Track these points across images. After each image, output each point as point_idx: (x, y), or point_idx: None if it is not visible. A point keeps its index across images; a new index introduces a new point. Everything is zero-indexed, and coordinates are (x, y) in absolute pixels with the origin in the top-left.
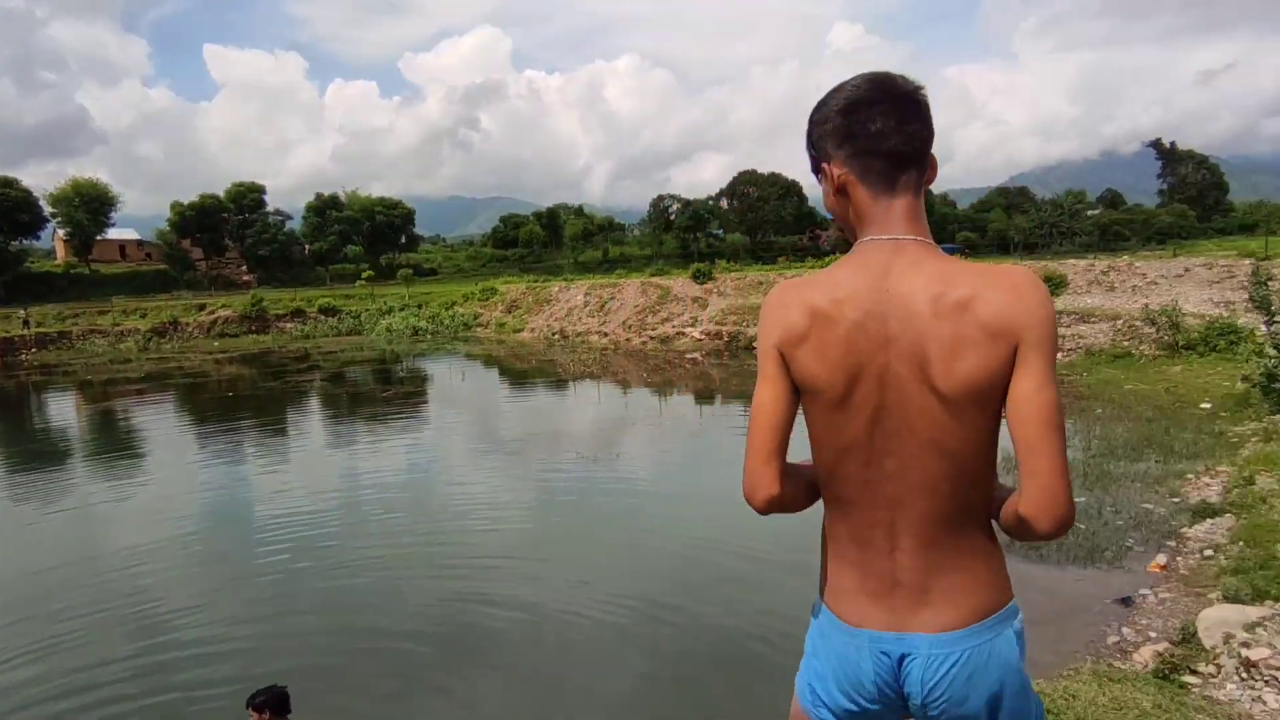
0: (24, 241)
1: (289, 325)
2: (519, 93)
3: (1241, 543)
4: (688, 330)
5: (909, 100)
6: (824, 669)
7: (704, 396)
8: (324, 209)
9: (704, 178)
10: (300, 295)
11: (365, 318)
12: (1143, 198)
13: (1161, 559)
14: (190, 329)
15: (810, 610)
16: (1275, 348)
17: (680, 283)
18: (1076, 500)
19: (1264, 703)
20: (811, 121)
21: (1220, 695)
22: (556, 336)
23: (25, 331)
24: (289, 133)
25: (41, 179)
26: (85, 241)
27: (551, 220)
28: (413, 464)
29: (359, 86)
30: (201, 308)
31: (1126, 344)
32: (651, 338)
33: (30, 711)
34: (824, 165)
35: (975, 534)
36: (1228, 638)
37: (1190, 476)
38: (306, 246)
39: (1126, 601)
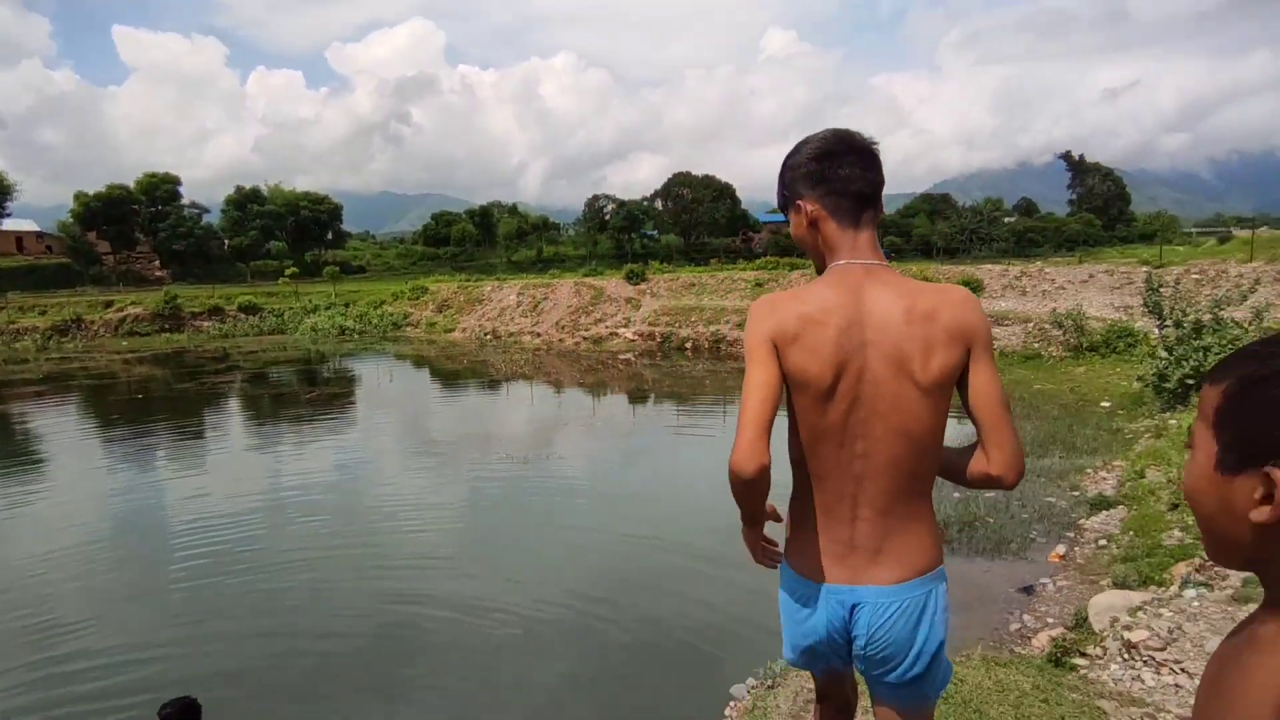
0: None
1: (206, 324)
2: (452, 88)
3: (1131, 532)
4: (621, 331)
5: (869, 153)
6: (789, 621)
7: (636, 397)
8: (245, 202)
9: (639, 178)
10: (219, 292)
11: (289, 316)
12: (1055, 206)
13: (1061, 549)
14: (96, 327)
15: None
16: (1166, 350)
17: (614, 283)
18: (986, 495)
19: (1142, 681)
20: (786, 166)
21: (1104, 676)
22: (489, 337)
23: None
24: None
25: None
26: None
27: (485, 218)
28: (339, 466)
29: (283, 75)
30: (109, 304)
31: (1037, 346)
32: (585, 338)
33: None
34: (798, 202)
35: (921, 505)
36: (1114, 621)
37: (1089, 471)
38: (226, 241)
39: (1029, 590)
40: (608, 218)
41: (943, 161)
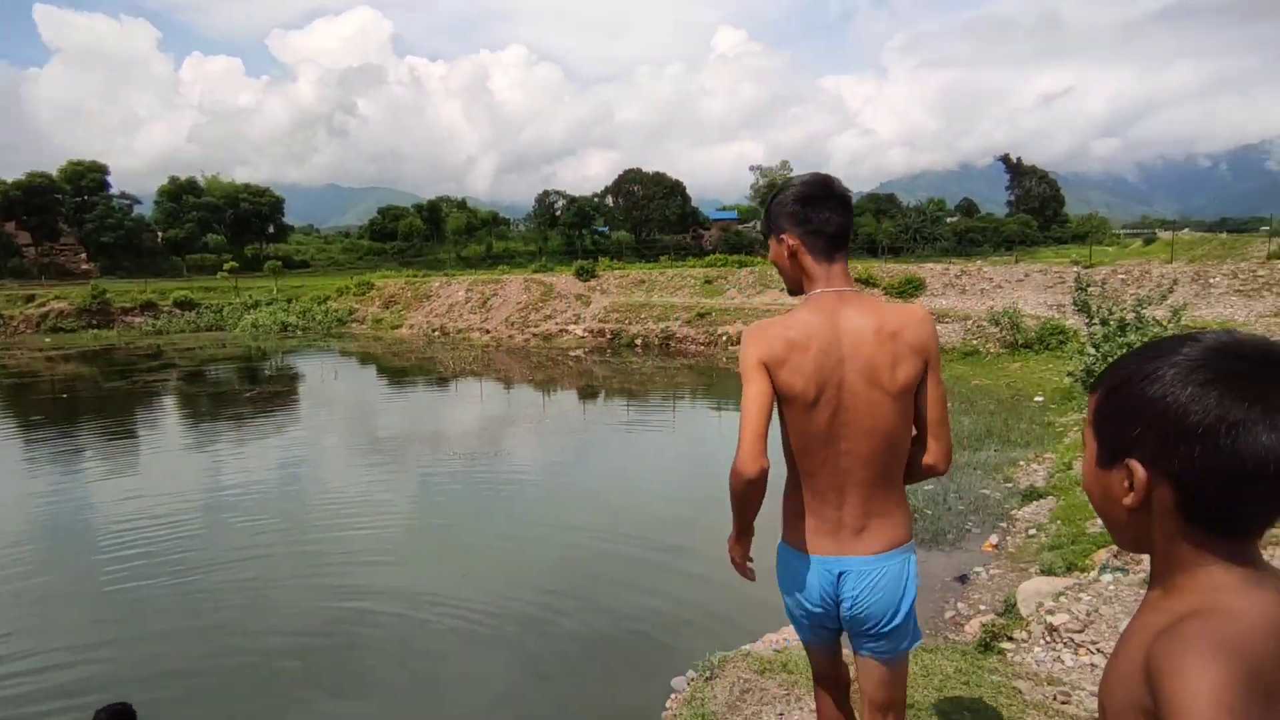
0: None
1: (138, 320)
2: (400, 79)
3: (1059, 521)
4: (571, 328)
5: (845, 199)
6: (787, 590)
7: (586, 394)
8: (180, 193)
9: (591, 174)
10: (152, 287)
11: (228, 312)
12: (994, 207)
13: (994, 539)
14: (15, 323)
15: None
16: (1094, 347)
17: (564, 280)
18: (925, 489)
19: (1062, 662)
20: (774, 203)
21: (1028, 658)
22: (437, 333)
23: None
24: (138, 108)
25: None
26: None
27: (433, 213)
28: (281, 465)
29: (221, 62)
30: (30, 299)
31: (975, 342)
32: (534, 335)
33: None
34: (781, 235)
35: (896, 491)
36: (1039, 606)
37: (1022, 464)
38: (159, 234)
39: (963, 579)
40: (558, 214)
41: (888, 162)
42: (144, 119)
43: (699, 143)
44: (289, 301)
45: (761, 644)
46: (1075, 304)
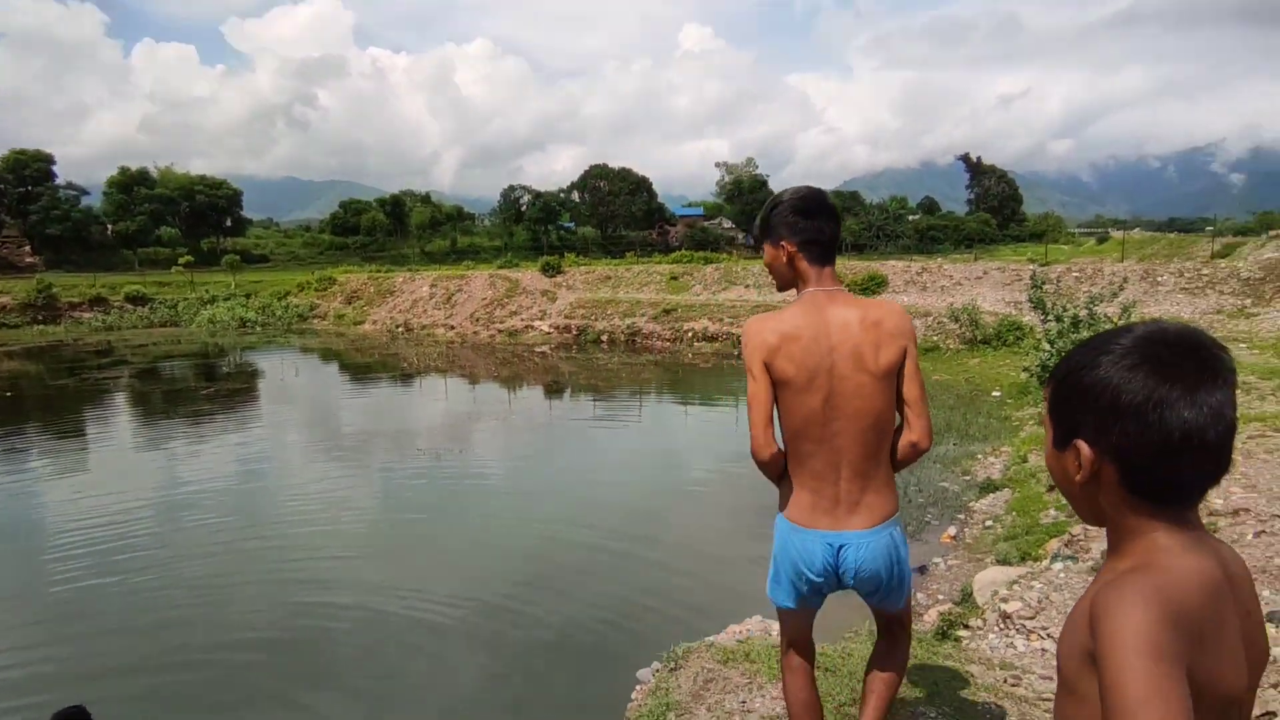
0: None
1: (87, 315)
2: (362, 71)
3: (1014, 513)
4: (536, 324)
5: (835, 211)
6: (788, 560)
7: (553, 390)
8: (131, 185)
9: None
10: (101, 281)
11: (183, 307)
12: (955, 205)
13: (952, 530)
14: None
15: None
16: (1049, 343)
17: (529, 275)
18: None
19: (1015, 647)
20: (771, 212)
21: (983, 645)
22: (400, 329)
23: None
24: (85, 96)
25: None
26: None
27: (396, 207)
28: (240, 464)
29: (174, 49)
30: None
31: (935, 338)
32: (500, 331)
33: None
34: (780, 242)
35: (885, 468)
36: (994, 595)
37: (980, 457)
38: (109, 226)
39: (923, 570)
40: (524, 209)
41: (852, 159)
42: (91, 107)
43: (665, 138)
44: (248, 297)
45: (725, 635)
46: (1031, 301)
